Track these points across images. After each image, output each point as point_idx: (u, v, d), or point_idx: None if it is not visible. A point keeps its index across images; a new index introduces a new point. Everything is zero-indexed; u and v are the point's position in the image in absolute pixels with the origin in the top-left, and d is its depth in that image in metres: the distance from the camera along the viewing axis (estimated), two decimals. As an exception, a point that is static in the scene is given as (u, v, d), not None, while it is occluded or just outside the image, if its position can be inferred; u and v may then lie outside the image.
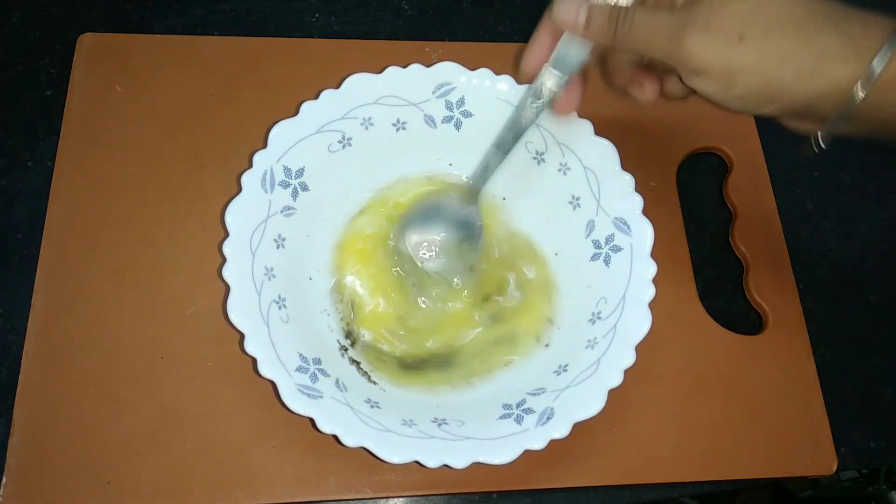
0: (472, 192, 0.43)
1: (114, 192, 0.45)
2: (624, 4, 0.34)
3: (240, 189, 0.40)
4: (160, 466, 0.39)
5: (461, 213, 0.43)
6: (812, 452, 0.43)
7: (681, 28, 0.31)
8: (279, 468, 0.39)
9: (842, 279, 0.49)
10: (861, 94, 0.30)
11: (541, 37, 0.37)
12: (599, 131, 0.49)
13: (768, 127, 0.51)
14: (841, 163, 0.52)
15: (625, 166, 0.48)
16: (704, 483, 0.42)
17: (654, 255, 0.40)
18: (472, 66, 0.50)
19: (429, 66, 0.43)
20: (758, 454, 0.42)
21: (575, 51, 0.36)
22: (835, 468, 0.43)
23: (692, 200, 0.49)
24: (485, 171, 0.42)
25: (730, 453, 0.42)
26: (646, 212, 0.42)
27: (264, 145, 0.41)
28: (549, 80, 0.37)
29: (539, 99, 0.38)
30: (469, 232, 0.43)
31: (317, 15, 0.53)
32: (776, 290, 0.47)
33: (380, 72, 0.43)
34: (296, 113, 0.41)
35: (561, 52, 0.36)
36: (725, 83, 0.31)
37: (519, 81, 0.42)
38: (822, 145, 0.33)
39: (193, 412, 0.40)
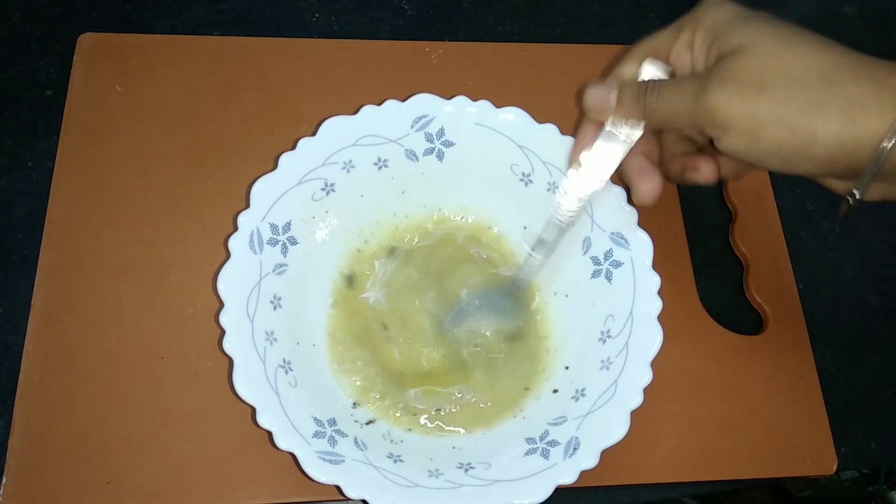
0: (515, 285, 0.43)
1: (114, 191, 0.45)
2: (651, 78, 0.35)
3: (228, 254, 0.39)
4: (160, 466, 0.39)
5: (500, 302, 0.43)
6: (812, 452, 0.43)
7: (702, 86, 0.31)
8: (279, 468, 0.39)
9: (842, 279, 0.49)
10: (890, 144, 0.28)
11: (584, 132, 0.38)
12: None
13: (768, 127, 0.51)
14: (841, 163, 0.52)
15: (625, 166, 0.48)
16: (704, 483, 0.42)
17: (655, 254, 0.40)
18: (473, 66, 0.50)
19: (404, 99, 0.42)
20: (758, 454, 0.42)
21: (614, 145, 0.36)
22: (835, 468, 0.43)
23: (692, 200, 0.49)
24: (529, 268, 0.42)
25: (730, 453, 0.42)
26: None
27: (246, 205, 0.40)
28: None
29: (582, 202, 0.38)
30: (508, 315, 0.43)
31: (317, 15, 0.53)
32: (776, 290, 0.47)
33: (355, 112, 0.42)
34: (274, 166, 0.41)
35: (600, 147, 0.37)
36: (752, 137, 0.30)
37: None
38: (857, 201, 0.32)
39: (193, 412, 0.40)
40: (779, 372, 0.44)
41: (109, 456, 0.39)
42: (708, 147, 0.37)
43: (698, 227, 0.48)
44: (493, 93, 0.49)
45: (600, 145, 0.37)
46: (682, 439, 0.42)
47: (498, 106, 0.43)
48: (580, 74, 0.51)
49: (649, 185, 0.37)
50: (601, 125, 0.37)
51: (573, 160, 0.38)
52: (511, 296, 0.43)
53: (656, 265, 0.40)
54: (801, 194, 0.51)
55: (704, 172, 0.37)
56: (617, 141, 0.36)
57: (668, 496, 0.42)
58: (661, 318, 0.39)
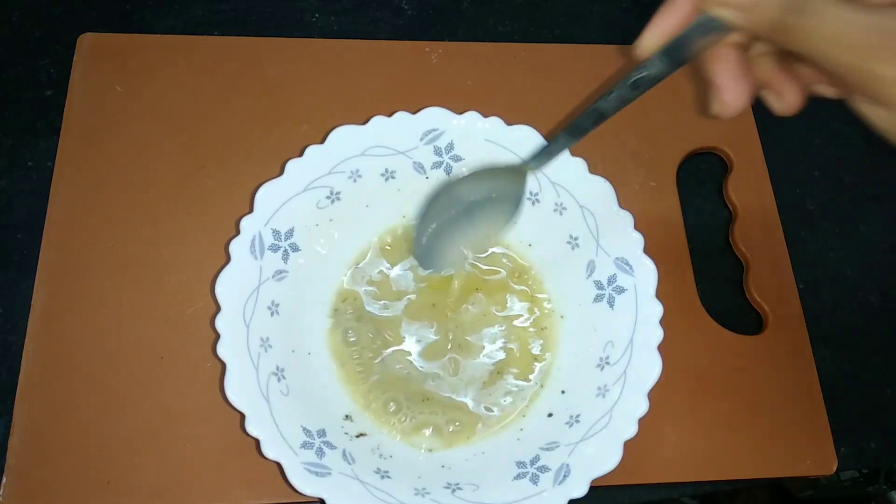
0: (521, 171, 0.38)
1: (114, 192, 0.45)
2: None
3: (228, 258, 0.38)
4: (160, 466, 0.39)
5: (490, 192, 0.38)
6: (812, 452, 0.43)
7: (882, 39, 0.23)
8: (279, 468, 0.39)
9: (842, 279, 0.49)
10: None
11: (670, 14, 0.28)
12: (599, 132, 0.49)
13: (768, 127, 0.51)
14: (841, 163, 0.52)
15: (625, 166, 0.48)
16: (704, 483, 0.42)
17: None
18: (473, 66, 0.50)
19: (415, 112, 0.42)
20: (758, 454, 0.42)
21: (703, 36, 0.28)
22: (835, 468, 0.43)
23: (692, 200, 0.49)
24: (546, 155, 0.36)
25: (730, 453, 0.42)
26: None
27: (250, 209, 0.40)
28: (654, 69, 0.29)
29: (636, 88, 0.30)
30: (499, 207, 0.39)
31: (317, 15, 0.53)
32: (776, 290, 0.47)
33: (356, 114, 0.42)
34: (280, 172, 0.40)
35: (685, 37, 0.28)
36: None
37: (633, 57, 0.31)
38: None
39: (193, 412, 0.40)
40: (779, 372, 0.44)
41: (109, 456, 0.39)
42: (795, 60, 0.29)
43: (698, 227, 0.48)
44: (492, 93, 0.49)
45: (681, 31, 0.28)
46: (682, 439, 0.42)
47: (499, 109, 0.43)
48: (580, 74, 0.51)
49: (738, 93, 0.29)
50: (693, 13, 0.28)
51: (645, 46, 0.29)
52: (512, 182, 0.38)
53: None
54: (801, 194, 0.51)
55: (788, 100, 0.29)
56: (705, 34, 0.28)
57: (668, 496, 0.42)
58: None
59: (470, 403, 0.41)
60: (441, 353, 0.42)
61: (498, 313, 0.43)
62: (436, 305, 0.43)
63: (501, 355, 0.42)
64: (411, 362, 0.42)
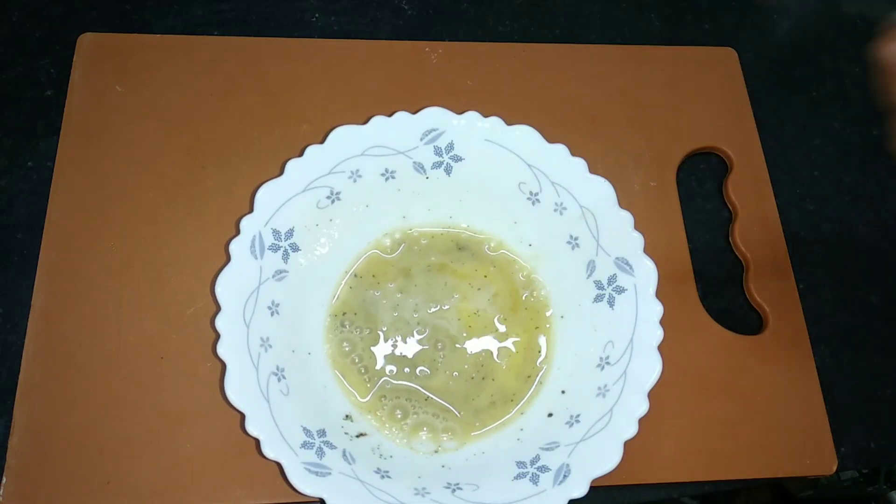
0: None
1: (114, 192, 0.45)
2: None
3: (228, 258, 0.38)
4: (160, 466, 0.39)
5: None
6: (812, 452, 0.43)
7: None
8: (279, 468, 0.39)
9: (842, 279, 0.49)
10: None
11: None
12: (599, 132, 0.49)
13: (768, 127, 0.51)
14: (841, 163, 0.52)
15: (625, 166, 0.48)
16: (704, 483, 0.42)
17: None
18: (473, 66, 0.50)
19: (415, 112, 0.42)
20: (758, 454, 0.42)
21: None
22: (835, 468, 0.43)
23: (692, 200, 0.49)
24: None
25: (730, 453, 0.42)
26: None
27: (250, 209, 0.40)
28: None
29: None
30: None
31: (317, 15, 0.53)
32: (776, 290, 0.47)
33: (356, 113, 0.42)
34: (281, 172, 0.40)
35: None
36: None
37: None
38: None
39: (193, 412, 0.40)
40: (779, 372, 0.44)
41: (109, 456, 0.39)
42: None
43: (698, 227, 0.48)
44: (492, 93, 0.49)
45: None
46: (682, 439, 0.42)
47: (499, 109, 0.43)
48: (580, 74, 0.51)
49: None
50: None
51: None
52: None
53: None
54: (800, 194, 0.51)
55: None
56: None
57: (668, 496, 0.42)
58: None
59: (468, 404, 0.41)
60: (441, 354, 0.42)
61: (497, 314, 0.43)
62: (435, 306, 0.43)
63: (501, 356, 0.42)
64: (410, 362, 0.42)
